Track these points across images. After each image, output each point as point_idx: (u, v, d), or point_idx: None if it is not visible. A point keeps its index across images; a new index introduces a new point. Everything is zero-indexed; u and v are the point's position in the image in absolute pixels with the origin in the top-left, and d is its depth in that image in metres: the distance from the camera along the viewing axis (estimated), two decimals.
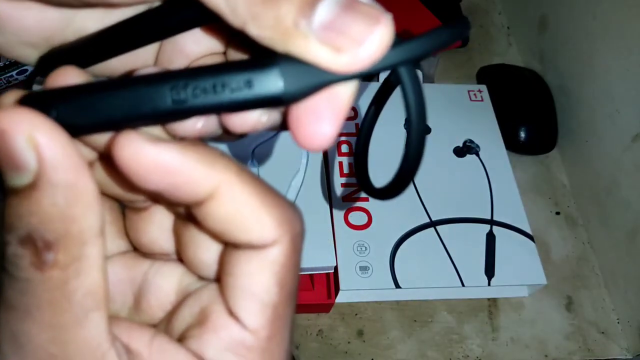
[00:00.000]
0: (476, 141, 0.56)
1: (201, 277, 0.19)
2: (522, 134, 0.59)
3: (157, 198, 0.17)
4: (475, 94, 0.60)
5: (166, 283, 0.20)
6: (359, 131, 0.23)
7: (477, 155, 0.55)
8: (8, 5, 0.19)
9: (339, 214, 0.50)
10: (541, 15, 0.65)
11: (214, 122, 0.18)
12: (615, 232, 0.52)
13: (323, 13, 0.14)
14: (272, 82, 0.15)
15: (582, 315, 0.51)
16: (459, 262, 0.49)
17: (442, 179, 0.53)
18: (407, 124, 0.17)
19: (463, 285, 0.48)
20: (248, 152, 0.50)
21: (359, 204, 0.51)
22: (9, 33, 0.20)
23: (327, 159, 0.53)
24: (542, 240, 0.54)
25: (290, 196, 0.48)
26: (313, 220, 0.47)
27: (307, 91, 0.15)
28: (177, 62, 0.22)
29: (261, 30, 0.15)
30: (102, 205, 0.16)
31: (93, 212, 0.15)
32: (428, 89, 0.61)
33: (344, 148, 0.54)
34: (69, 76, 0.16)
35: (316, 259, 0.46)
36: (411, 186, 0.52)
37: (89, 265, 0.15)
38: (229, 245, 0.17)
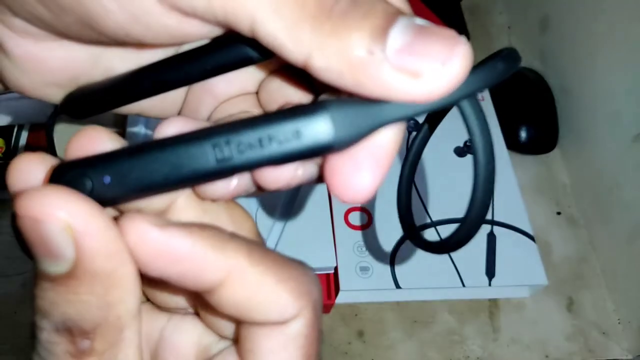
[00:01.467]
0: None
1: (222, 336, 0.18)
2: (523, 134, 0.58)
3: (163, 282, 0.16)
4: None
5: (185, 342, 0.18)
6: (403, 165, 0.21)
7: None
8: (35, 46, 0.18)
9: (339, 214, 0.50)
10: (542, 15, 0.64)
11: (247, 180, 0.17)
12: (616, 232, 0.52)
13: (398, 38, 0.13)
14: (322, 130, 0.13)
15: (583, 316, 0.51)
16: (460, 262, 0.48)
17: (442, 179, 0.53)
18: (474, 164, 0.15)
19: (464, 285, 0.47)
20: None
21: (359, 203, 0.51)
22: (35, 74, 0.19)
23: None
24: (543, 241, 0.54)
25: (290, 196, 0.47)
26: (313, 220, 0.47)
27: (360, 136, 0.14)
28: (206, 102, 0.21)
29: (328, 61, 0.13)
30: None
31: (132, 295, 0.14)
32: None
33: None
34: (97, 140, 0.15)
35: (316, 259, 0.45)
36: (412, 187, 0.52)
37: (126, 348, 0.15)
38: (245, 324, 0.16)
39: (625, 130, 0.50)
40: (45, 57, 0.19)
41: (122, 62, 0.20)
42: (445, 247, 0.18)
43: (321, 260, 0.45)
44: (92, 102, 0.20)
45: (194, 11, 0.15)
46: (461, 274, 0.48)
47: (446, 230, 0.50)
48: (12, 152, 0.49)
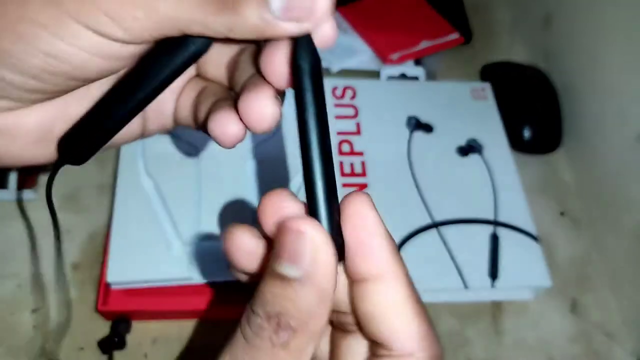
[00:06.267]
0: (480, 140, 0.55)
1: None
2: (527, 133, 0.58)
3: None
4: (478, 92, 0.59)
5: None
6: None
7: (481, 154, 0.55)
8: (13, 115, 0.22)
9: None
10: (546, 12, 0.64)
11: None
12: (620, 233, 0.51)
13: (275, 1, 0.19)
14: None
15: (587, 318, 0.50)
16: (463, 263, 0.48)
17: (445, 179, 0.52)
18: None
19: (466, 287, 0.47)
20: (247, 152, 0.50)
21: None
22: (19, 138, 0.23)
23: None
24: (547, 242, 0.53)
25: None
26: None
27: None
28: (167, 99, 0.25)
29: (241, 34, 0.19)
30: None
31: (327, 316, 0.18)
32: (431, 87, 0.60)
33: (345, 147, 0.53)
34: (284, 199, 0.20)
35: None
36: (413, 186, 0.51)
37: (304, 359, 0.18)
38: (370, 357, 0.20)
39: (630, 129, 0.50)
40: (24, 122, 0.22)
41: (81, 103, 0.24)
42: None
43: None
44: (87, 146, 0.24)
45: (149, 39, 0.20)
46: (464, 276, 0.47)
47: (448, 231, 0.49)
48: None
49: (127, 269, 0.42)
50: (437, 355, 0.19)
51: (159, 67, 0.22)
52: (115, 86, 0.23)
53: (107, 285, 0.43)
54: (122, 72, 0.23)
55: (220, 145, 0.22)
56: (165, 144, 0.49)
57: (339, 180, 0.51)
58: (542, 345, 0.48)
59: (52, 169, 0.24)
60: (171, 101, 0.25)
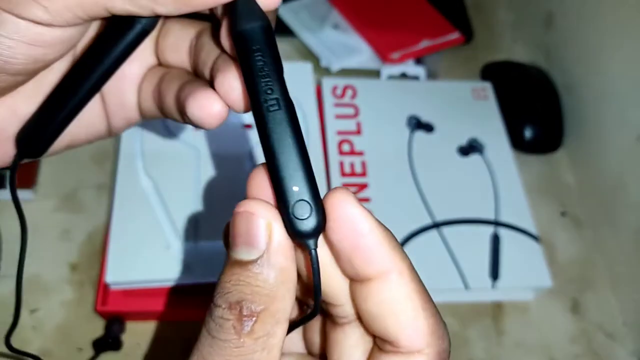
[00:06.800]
0: (481, 140, 0.55)
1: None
2: (528, 133, 0.57)
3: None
4: (479, 92, 0.59)
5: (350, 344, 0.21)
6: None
7: (482, 154, 0.54)
8: None
9: None
10: (547, 11, 0.63)
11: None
12: (622, 234, 0.51)
13: None
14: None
15: (588, 318, 0.50)
16: (463, 264, 0.48)
17: (445, 179, 0.52)
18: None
19: (467, 287, 0.47)
20: (246, 153, 0.49)
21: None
22: None
23: (327, 158, 0.52)
24: (548, 242, 0.53)
25: None
26: None
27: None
28: (127, 89, 0.25)
29: (166, 7, 0.19)
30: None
31: (290, 297, 0.18)
32: (432, 86, 0.60)
33: (345, 147, 0.53)
34: (262, 182, 0.19)
35: None
36: (414, 186, 0.51)
37: (273, 344, 0.17)
38: (375, 350, 0.19)
39: (631, 129, 0.49)
40: None
41: (31, 102, 0.23)
42: None
43: None
44: (43, 138, 0.23)
45: (74, 20, 0.20)
46: (464, 276, 0.47)
47: (448, 231, 0.49)
48: None
49: (126, 269, 0.42)
50: (445, 350, 0.18)
51: (106, 48, 0.22)
52: (66, 73, 0.23)
53: (106, 285, 0.43)
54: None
55: (203, 127, 0.22)
56: (164, 144, 0.49)
57: (340, 180, 0.51)
58: (542, 345, 0.48)
59: (11, 164, 0.24)
60: (132, 92, 0.25)
